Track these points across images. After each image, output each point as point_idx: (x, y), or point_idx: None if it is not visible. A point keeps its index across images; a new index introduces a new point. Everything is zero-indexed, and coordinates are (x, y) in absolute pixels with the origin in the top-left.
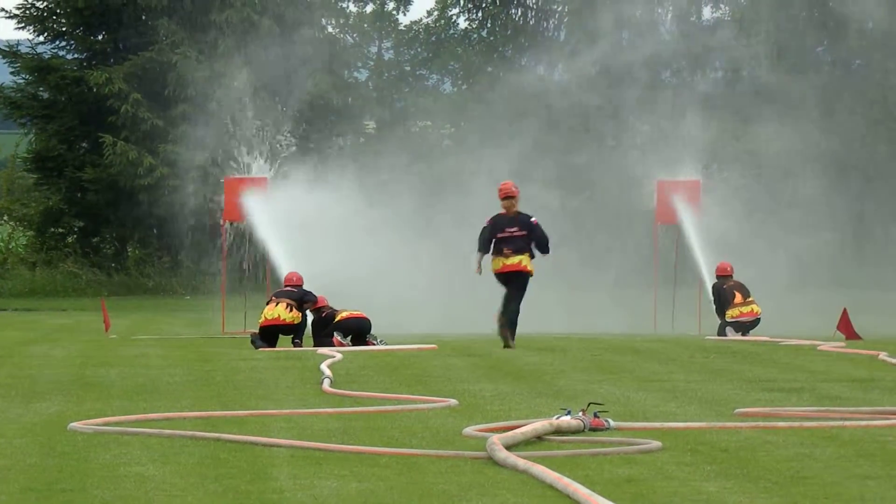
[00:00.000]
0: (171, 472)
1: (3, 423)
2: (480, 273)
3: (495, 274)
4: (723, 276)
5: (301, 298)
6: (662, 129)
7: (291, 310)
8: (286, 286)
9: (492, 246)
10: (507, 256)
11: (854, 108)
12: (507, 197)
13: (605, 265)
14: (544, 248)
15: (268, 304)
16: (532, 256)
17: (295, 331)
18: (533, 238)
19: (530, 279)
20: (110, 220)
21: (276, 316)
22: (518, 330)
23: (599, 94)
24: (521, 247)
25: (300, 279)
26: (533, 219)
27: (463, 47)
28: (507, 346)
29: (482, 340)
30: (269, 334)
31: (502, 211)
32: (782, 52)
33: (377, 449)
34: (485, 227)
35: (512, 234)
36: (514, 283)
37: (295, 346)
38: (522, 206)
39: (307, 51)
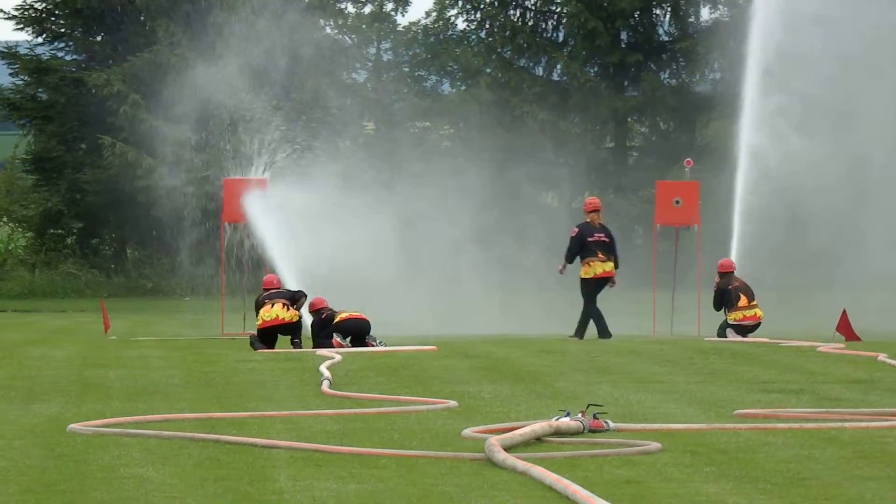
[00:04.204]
0: (170, 474)
1: (3, 424)
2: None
3: (592, 280)
4: (725, 274)
5: (293, 297)
6: (662, 131)
7: (288, 308)
8: (271, 290)
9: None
10: (602, 261)
11: None
12: (596, 210)
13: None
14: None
15: (262, 307)
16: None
17: (293, 330)
18: (614, 247)
19: None
20: (109, 221)
21: (275, 316)
22: (517, 331)
23: (598, 95)
24: (608, 252)
25: (279, 281)
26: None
27: (461, 48)
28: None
29: (481, 342)
30: (268, 335)
31: (587, 220)
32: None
33: (376, 450)
34: (573, 237)
35: (600, 239)
36: (603, 287)
37: (294, 347)
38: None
39: (306, 52)
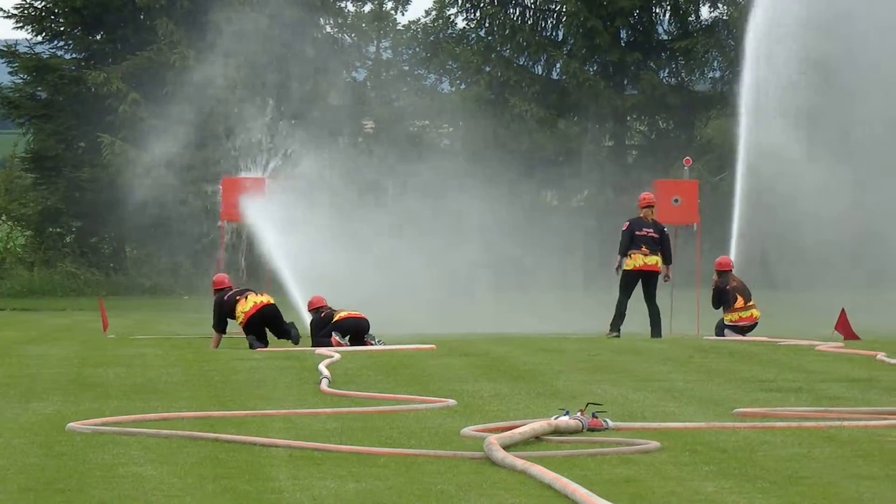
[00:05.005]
0: (169, 473)
1: (1, 422)
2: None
3: (632, 272)
4: (723, 272)
5: (254, 290)
6: (661, 130)
7: (261, 294)
8: (224, 288)
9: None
10: (645, 254)
11: None
12: (649, 205)
13: (603, 265)
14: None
15: (237, 304)
16: (665, 261)
17: (277, 315)
18: (664, 243)
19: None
20: (108, 219)
21: (253, 304)
22: (514, 330)
23: (597, 93)
24: (654, 248)
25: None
26: (665, 228)
27: (461, 47)
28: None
29: (480, 340)
30: (256, 325)
31: (640, 216)
32: None
33: (375, 449)
34: (623, 231)
35: (648, 234)
36: (653, 282)
37: (293, 339)
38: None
39: (305, 51)
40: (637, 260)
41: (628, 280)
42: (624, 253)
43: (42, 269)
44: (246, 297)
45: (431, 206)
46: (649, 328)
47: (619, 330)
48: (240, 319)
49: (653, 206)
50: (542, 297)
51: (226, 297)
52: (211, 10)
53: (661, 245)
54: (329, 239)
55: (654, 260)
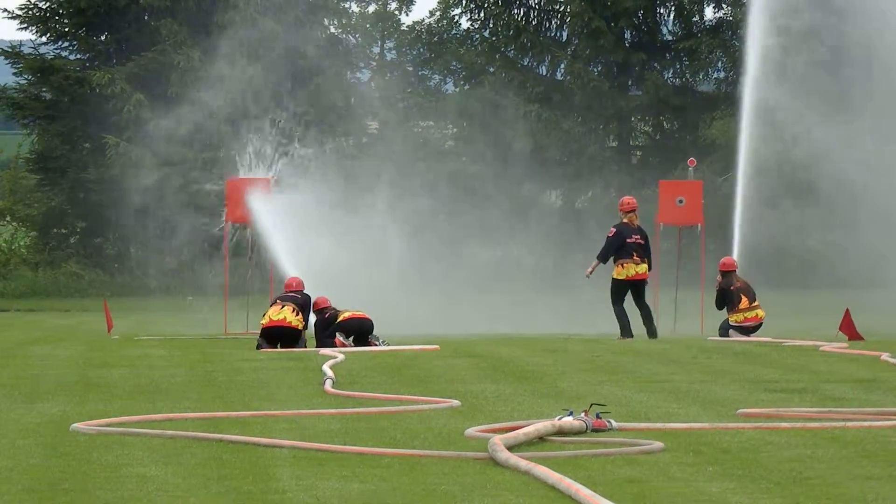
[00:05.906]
0: (173, 473)
1: (6, 423)
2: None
3: (624, 281)
4: (727, 273)
5: (305, 305)
6: (665, 131)
7: (297, 314)
8: (288, 292)
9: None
10: (637, 263)
11: None
12: (633, 210)
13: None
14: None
15: (272, 306)
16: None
17: (296, 338)
18: (649, 249)
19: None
20: (113, 220)
21: (283, 318)
22: (519, 331)
23: (602, 94)
24: (643, 255)
25: (301, 284)
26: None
27: (465, 47)
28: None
29: (484, 341)
30: (273, 336)
31: (625, 221)
32: None
33: (379, 450)
34: (610, 238)
35: (636, 241)
36: (642, 287)
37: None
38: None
39: (310, 51)
40: (629, 269)
41: (620, 289)
42: (605, 259)
43: (46, 270)
44: (282, 307)
45: (435, 207)
46: (644, 330)
47: (630, 333)
48: (264, 321)
49: (636, 210)
50: (545, 298)
51: (278, 298)
52: (215, 11)
53: (647, 251)
54: (333, 239)
55: (644, 268)
